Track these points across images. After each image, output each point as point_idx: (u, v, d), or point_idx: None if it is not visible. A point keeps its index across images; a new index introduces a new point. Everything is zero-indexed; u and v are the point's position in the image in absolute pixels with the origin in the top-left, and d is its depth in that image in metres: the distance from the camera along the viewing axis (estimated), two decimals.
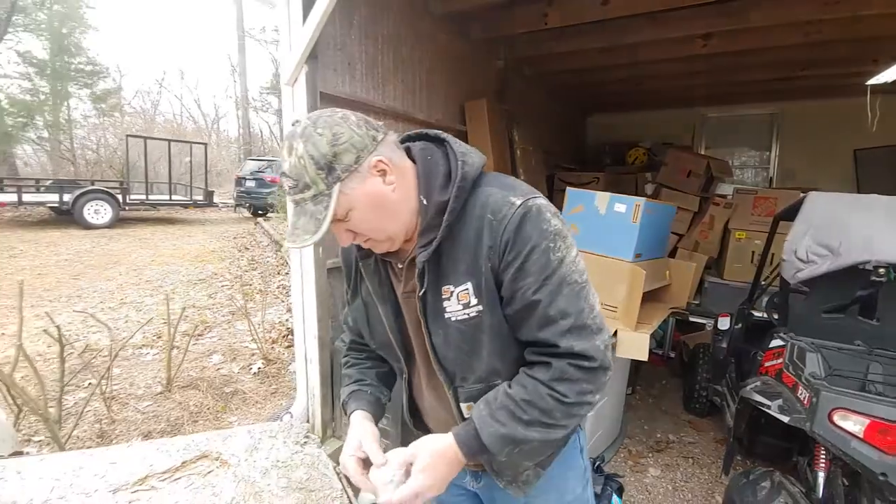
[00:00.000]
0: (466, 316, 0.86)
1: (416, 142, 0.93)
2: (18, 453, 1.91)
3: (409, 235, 0.89)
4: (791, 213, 2.19)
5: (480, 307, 0.85)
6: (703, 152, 6.69)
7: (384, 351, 1.06)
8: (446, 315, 0.87)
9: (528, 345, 0.87)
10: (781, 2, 3.24)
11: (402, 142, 0.91)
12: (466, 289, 0.85)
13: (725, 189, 5.59)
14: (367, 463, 0.94)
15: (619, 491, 2.15)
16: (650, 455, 2.87)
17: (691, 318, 4.04)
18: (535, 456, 0.94)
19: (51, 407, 2.56)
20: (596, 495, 2.02)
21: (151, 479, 1.77)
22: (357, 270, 1.01)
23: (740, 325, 2.88)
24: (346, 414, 1.07)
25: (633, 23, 3.66)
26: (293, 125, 0.81)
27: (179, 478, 1.80)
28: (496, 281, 0.84)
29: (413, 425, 1.11)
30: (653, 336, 4.37)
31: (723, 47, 3.98)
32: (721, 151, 6.81)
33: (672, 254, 4.71)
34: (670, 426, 3.24)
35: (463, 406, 0.95)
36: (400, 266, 0.94)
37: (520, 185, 0.87)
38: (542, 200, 0.84)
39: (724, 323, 3.07)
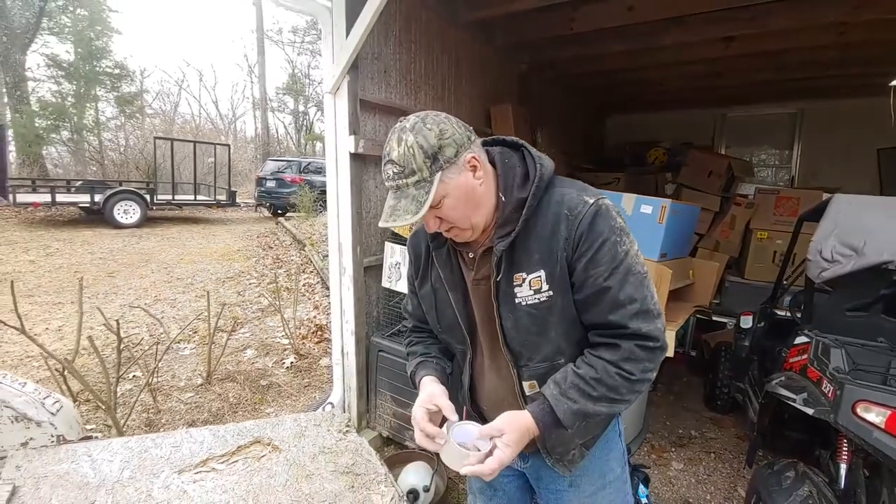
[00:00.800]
0: (537, 301, 0.96)
1: (494, 146, 1.04)
2: (86, 438, 2.07)
3: (486, 227, 1.00)
4: (816, 214, 2.25)
5: (551, 292, 0.96)
6: (723, 152, 6.69)
7: (449, 334, 1.14)
8: (517, 300, 0.98)
9: (595, 328, 0.97)
10: (805, 5, 3.27)
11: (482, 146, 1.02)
12: (539, 276, 0.95)
13: (747, 189, 5.60)
14: (432, 417, 1.03)
15: (646, 481, 2.25)
16: (673, 449, 2.95)
17: (714, 318, 4.10)
18: (598, 428, 1.08)
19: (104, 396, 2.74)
20: None
21: (211, 462, 1.91)
22: (428, 259, 1.12)
23: (763, 323, 2.93)
24: (414, 385, 1.16)
25: (656, 26, 3.72)
26: (401, 121, 0.92)
27: (236, 461, 1.94)
28: (569, 268, 0.94)
29: (470, 406, 1.22)
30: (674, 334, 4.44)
31: (745, 49, 4.01)
32: (742, 151, 6.81)
33: (692, 253, 4.76)
34: (692, 422, 3.31)
35: (525, 384, 1.05)
36: (471, 255, 1.04)
37: (589, 187, 0.99)
38: (609, 201, 0.96)
39: (746, 321, 3.13)
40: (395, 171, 0.90)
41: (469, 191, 0.93)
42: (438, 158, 0.89)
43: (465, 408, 1.21)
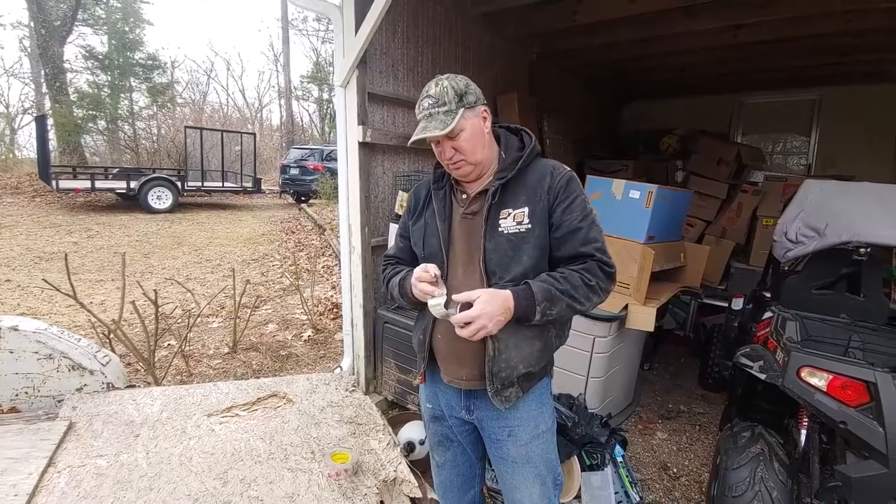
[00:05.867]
0: (517, 230, 1.26)
1: (500, 128, 1.41)
2: (131, 386, 2.40)
3: (482, 174, 1.32)
4: None
5: (530, 225, 1.25)
6: (739, 139, 6.66)
7: (430, 259, 1.34)
8: (500, 228, 1.27)
9: (567, 259, 1.26)
10: None
11: None
12: (523, 211, 1.26)
13: (757, 177, 5.62)
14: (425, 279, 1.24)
15: (623, 443, 2.45)
16: (660, 421, 3.13)
17: (713, 302, 4.21)
18: (539, 361, 1.31)
19: (144, 354, 3.08)
20: (601, 444, 2.33)
21: (235, 409, 2.22)
22: (426, 201, 1.41)
23: (751, 305, 3.06)
24: (403, 291, 1.34)
25: (664, 16, 3.79)
26: (437, 76, 1.26)
27: (256, 409, 2.24)
28: (549, 210, 1.26)
29: (432, 326, 1.37)
30: (674, 318, 4.59)
31: (755, 37, 4.04)
32: (759, 138, 6.76)
33: (700, 239, 4.85)
34: (683, 398, 3.47)
35: None
36: (464, 196, 1.35)
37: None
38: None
39: (737, 304, 3.25)
40: (431, 102, 1.22)
41: (479, 132, 1.26)
42: (463, 99, 1.22)
43: (430, 328, 1.38)
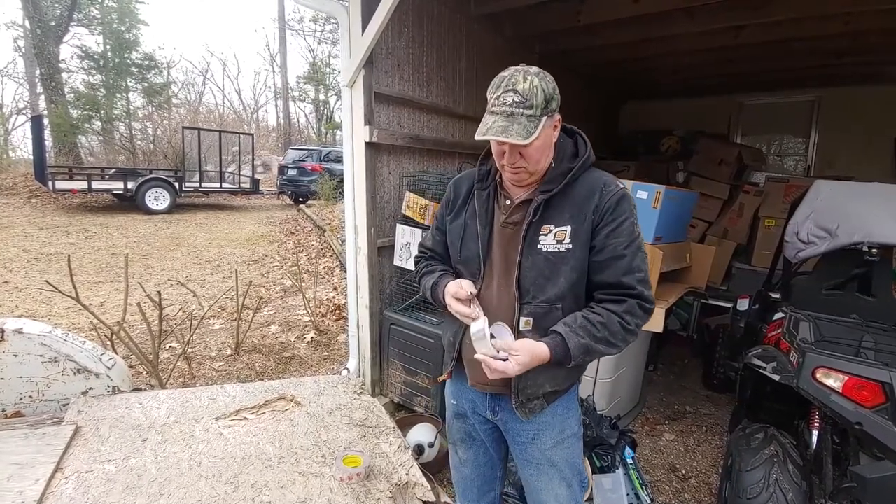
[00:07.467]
0: (556, 250, 1.18)
1: None
2: (137, 390, 2.37)
3: (535, 181, 1.23)
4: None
5: (571, 245, 1.17)
6: (739, 140, 6.68)
7: (465, 264, 1.31)
8: (539, 245, 1.19)
9: (606, 286, 1.18)
10: None
11: None
12: (565, 230, 1.18)
13: (758, 177, 5.63)
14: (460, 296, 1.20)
15: (633, 445, 2.44)
16: (666, 423, 3.13)
17: (716, 302, 4.21)
18: (566, 381, 1.30)
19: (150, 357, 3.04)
20: (611, 446, 2.32)
21: (243, 412, 2.19)
22: (468, 198, 1.33)
23: (757, 305, 3.07)
24: (435, 292, 1.31)
25: (665, 17, 3.79)
26: (521, 66, 1.13)
27: (264, 412, 2.22)
28: (592, 231, 1.17)
29: (462, 336, 1.35)
30: (678, 318, 4.58)
31: (756, 38, 4.05)
32: (758, 139, 6.79)
33: (702, 240, 4.85)
34: (688, 399, 3.47)
35: (522, 320, 1.22)
36: (508, 203, 1.26)
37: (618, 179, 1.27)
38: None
39: (742, 304, 3.25)
40: (517, 100, 1.07)
41: (549, 141, 1.18)
42: (549, 105, 1.11)
43: (461, 331, 1.34)
